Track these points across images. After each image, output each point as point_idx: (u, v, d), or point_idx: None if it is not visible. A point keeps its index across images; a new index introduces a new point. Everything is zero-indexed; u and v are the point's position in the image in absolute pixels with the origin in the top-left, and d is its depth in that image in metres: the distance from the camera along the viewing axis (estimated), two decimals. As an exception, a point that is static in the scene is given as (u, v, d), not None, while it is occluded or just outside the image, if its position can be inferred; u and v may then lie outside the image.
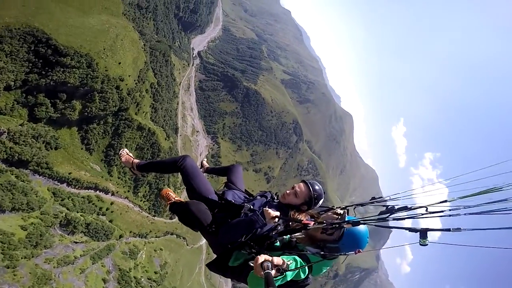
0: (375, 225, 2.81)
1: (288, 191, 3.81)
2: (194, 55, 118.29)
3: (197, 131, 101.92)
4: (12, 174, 49.05)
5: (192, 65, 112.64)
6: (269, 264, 2.38)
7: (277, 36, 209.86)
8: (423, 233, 2.40)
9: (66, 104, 55.04)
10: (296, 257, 2.92)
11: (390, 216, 2.64)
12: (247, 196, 4.26)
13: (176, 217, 4.39)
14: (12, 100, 49.56)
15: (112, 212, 63.90)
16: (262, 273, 2.32)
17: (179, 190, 71.90)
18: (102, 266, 59.24)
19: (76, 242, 55.87)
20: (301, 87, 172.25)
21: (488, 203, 2.15)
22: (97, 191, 62.10)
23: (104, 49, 54.81)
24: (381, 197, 3.04)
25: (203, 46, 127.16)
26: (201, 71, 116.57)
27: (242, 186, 4.48)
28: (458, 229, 2.24)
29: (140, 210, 71.48)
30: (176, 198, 4.44)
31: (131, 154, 4.83)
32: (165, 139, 76.44)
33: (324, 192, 3.79)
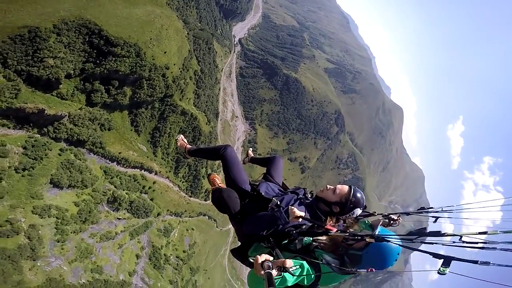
0: (400, 245, 2.70)
1: (328, 186, 3.75)
2: (235, 42, 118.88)
3: (236, 117, 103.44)
4: (71, 153, 52.67)
5: (234, 52, 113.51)
6: (270, 264, 2.35)
7: (320, 23, 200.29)
8: (447, 260, 2.26)
9: (118, 90, 58.99)
10: (305, 264, 2.82)
11: (418, 239, 2.53)
12: (281, 190, 4.31)
13: (210, 200, 5.08)
14: (73, 87, 53.36)
15: (154, 191, 67.25)
16: (262, 272, 2.30)
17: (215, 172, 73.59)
18: (138, 242, 62.22)
19: (119, 219, 59.36)
20: (347, 77, 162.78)
21: None
22: (142, 170, 65.52)
23: (150, 39, 57.63)
24: (432, 207, 2.88)
25: (243, 33, 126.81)
26: (242, 58, 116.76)
27: (280, 179, 4.60)
28: (487, 263, 2.09)
29: (179, 190, 74.87)
30: (220, 185, 4.71)
31: (185, 140, 5.44)
32: (206, 124, 79.02)
33: (365, 205, 3.61)
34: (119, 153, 62.04)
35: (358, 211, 3.56)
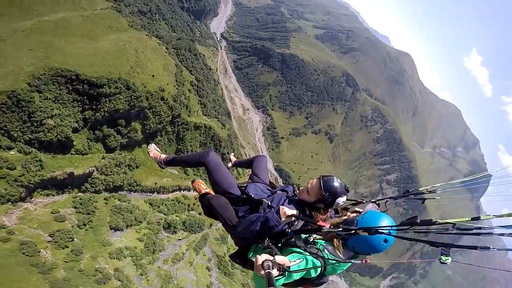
0: (394, 236, 2.45)
1: (301, 188, 3.33)
2: (218, 39, 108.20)
3: (247, 109, 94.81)
4: (115, 199, 50.56)
5: (221, 49, 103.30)
6: (270, 264, 2.13)
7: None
8: (446, 248, 2.02)
9: (128, 128, 53.78)
10: (308, 256, 2.60)
11: (411, 229, 2.28)
12: (270, 189, 3.68)
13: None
14: (85, 139, 49.74)
15: (198, 206, 61.64)
16: (262, 272, 2.10)
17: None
18: (203, 255, 60.12)
19: (180, 239, 57.40)
20: (340, 38, 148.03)
21: None
22: (181, 191, 62.05)
23: (131, 67, 50.17)
24: (417, 189, 2.57)
25: (223, 27, 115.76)
26: (231, 51, 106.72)
27: (266, 177, 3.94)
28: (487, 248, 1.92)
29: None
30: (206, 190, 3.98)
31: (158, 150, 4.56)
32: (222, 129, 71.93)
33: (346, 189, 3.02)
34: (155, 183, 58.54)
35: (341, 199, 3.00)
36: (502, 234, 1.84)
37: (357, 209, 3.07)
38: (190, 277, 54.61)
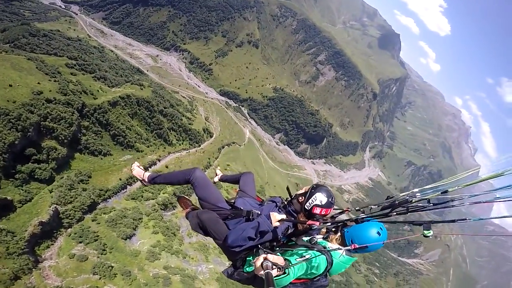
0: (380, 221, 2.55)
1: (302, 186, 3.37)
2: (63, 7, 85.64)
3: (157, 55, 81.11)
4: (100, 215, 46.58)
5: (77, 15, 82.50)
6: (269, 264, 2.10)
7: None
8: (427, 224, 2.12)
9: (42, 152, 45.51)
10: (315, 252, 2.60)
11: (392, 211, 2.35)
12: (258, 203, 3.73)
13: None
14: (15, 188, 42.07)
15: (174, 166, 58.33)
16: (262, 272, 2.07)
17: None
18: None
19: None
20: None
21: (493, 190, 1.75)
22: (148, 170, 57.11)
23: None
24: (397, 194, 2.55)
25: None
26: (92, 11, 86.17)
27: (254, 193, 3.96)
28: (464, 220, 2.02)
29: (188, 152, 63.81)
30: (192, 205, 3.93)
31: (141, 167, 4.24)
32: (142, 89, 61.90)
33: (332, 200, 3.07)
34: (120, 179, 52.47)
35: (318, 195, 3.09)
36: (473, 203, 1.85)
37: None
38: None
